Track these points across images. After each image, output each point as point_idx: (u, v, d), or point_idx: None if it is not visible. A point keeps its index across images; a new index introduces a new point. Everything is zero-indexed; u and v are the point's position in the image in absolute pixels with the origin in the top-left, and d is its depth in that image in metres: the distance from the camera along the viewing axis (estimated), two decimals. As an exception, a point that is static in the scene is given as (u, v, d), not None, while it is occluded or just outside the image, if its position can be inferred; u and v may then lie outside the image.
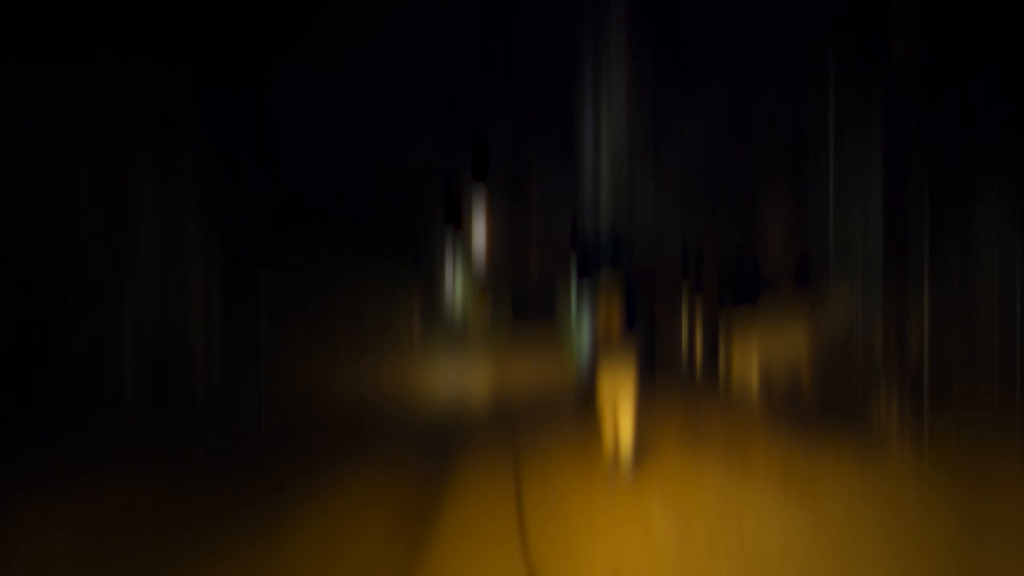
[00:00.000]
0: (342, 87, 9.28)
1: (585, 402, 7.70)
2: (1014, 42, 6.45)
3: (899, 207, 7.58)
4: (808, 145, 9.69)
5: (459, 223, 13.92)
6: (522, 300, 13.55)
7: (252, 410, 6.93)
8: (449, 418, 8.46)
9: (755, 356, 9.42)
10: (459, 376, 11.99)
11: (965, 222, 6.94)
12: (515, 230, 13.82)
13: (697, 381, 10.87)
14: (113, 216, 5.30)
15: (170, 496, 4.73)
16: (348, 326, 9.74)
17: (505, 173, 13.88)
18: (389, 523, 4.33)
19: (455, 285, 13.73)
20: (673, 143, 12.42)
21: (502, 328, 13.80)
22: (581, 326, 10.61)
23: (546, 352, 12.83)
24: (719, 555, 3.96)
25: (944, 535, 4.43)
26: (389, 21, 11.10)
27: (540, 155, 14.00)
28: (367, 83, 10.82)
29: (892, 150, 7.70)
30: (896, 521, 4.53)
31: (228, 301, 6.39)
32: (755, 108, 10.59)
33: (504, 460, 6.40)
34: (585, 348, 10.26)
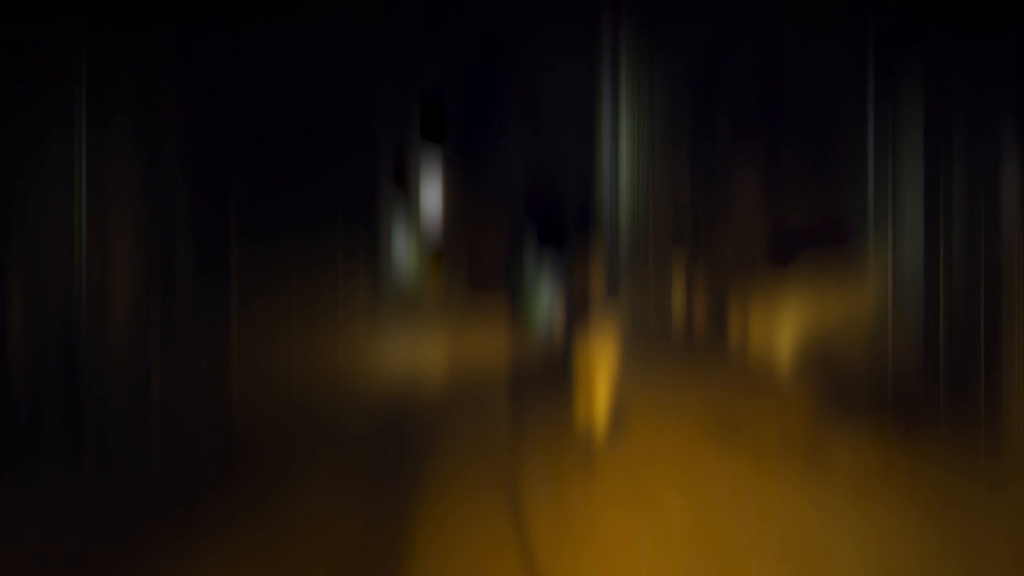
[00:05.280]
0: (286, 54, 8.52)
1: (557, 376, 7.16)
2: None
3: (931, 164, 7.11)
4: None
5: (406, 185, 13.27)
6: (479, 268, 12.99)
7: (195, 395, 6.19)
8: (409, 398, 7.90)
9: (769, 328, 8.93)
10: (413, 351, 11.42)
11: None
12: (471, 194, 13.23)
13: (693, 352, 10.40)
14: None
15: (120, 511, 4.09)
16: (294, 300, 9.03)
17: (462, 134, 13.26)
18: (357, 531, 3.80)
19: (407, 252, 13.11)
20: (647, 100, 11.87)
21: (458, 298, 13.23)
22: (545, 295, 10.08)
23: (506, 323, 12.31)
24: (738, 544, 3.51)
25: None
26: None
27: (498, 116, 13.39)
28: (313, 46, 10.01)
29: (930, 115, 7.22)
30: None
31: (169, 278, 5.68)
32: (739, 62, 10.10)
33: (478, 446, 5.86)
34: (549, 319, 9.73)
